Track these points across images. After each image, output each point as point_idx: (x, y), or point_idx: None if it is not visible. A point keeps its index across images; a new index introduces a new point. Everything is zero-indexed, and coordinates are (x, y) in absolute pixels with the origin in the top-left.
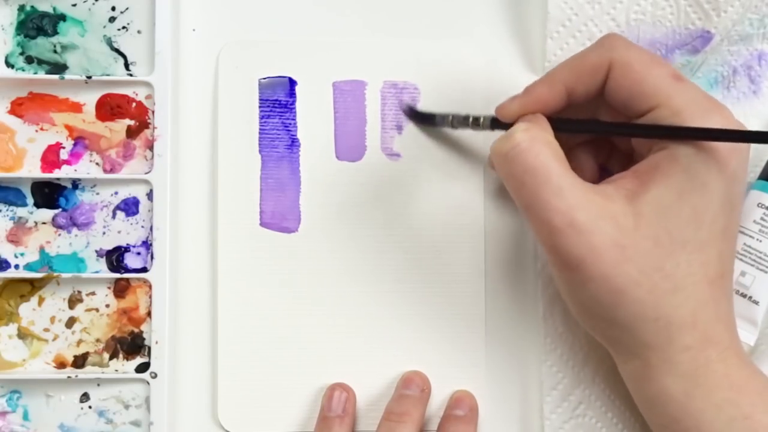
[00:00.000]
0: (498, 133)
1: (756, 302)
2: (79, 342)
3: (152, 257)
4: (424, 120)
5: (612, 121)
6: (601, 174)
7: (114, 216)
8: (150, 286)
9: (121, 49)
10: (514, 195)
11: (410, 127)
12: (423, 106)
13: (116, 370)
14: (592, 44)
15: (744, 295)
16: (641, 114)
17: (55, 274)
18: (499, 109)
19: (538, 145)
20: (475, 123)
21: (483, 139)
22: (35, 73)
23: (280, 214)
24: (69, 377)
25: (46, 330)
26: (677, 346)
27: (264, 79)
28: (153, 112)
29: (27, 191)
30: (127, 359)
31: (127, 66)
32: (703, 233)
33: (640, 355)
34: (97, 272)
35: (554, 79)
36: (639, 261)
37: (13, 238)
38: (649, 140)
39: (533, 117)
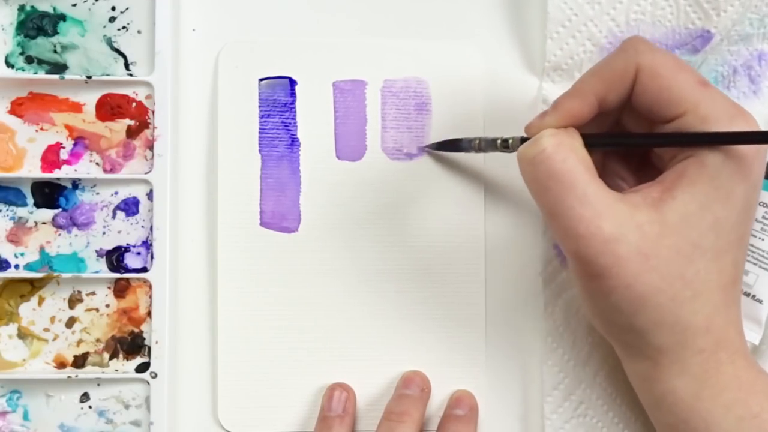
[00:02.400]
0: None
1: (760, 301)
2: (79, 342)
3: (152, 257)
4: (450, 147)
5: (644, 133)
6: (637, 182)
7: (114, 216)
8: (150, 286)
9: (121, 49)
10: (538, 201)
11: (408, 127)
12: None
13: (116, 370)
14: (614, 50)
15: (748, 294)
16: (668, 120)
17: (55, 274)
18: (529, 128)
19: (564, 151)
20: (504, 145)
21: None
22: (35, 73)
23: (280, 214)
24: (69, 377)
25: (46, 330)
26: (690, 350)
27: (264, 79)
28: (153, 112)
29: (27, 191)
30: (127, 359)
31: (127, 66)
32: (721, 241)
33: (651, 357)
34: (97, 272)
35: (584, 91)
36: (662, 269)
37: (13, 238)
38: (673, 150)
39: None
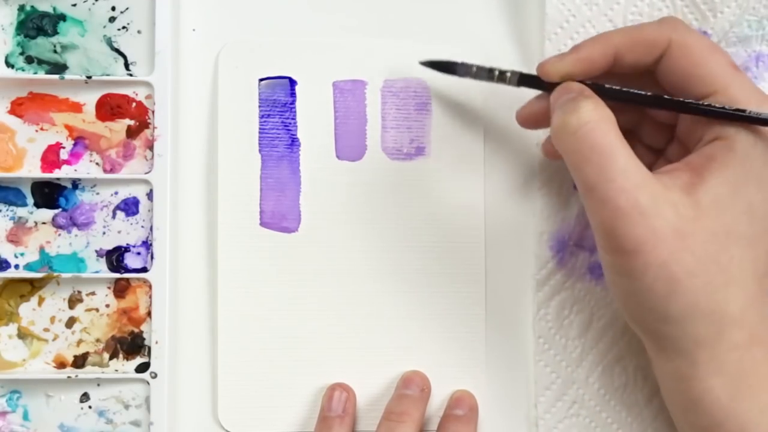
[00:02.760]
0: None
1: None
2: (79, 342)
3: (152, 257)
4: (445, 69)
5: (668, 96)
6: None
7: (114, 216)
8: (150, 286)
9: (121, 49)
10: (578, 172)
11: (408, 127)
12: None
13: (116, 370)
14: (652, 21)
15: None
16: (695, 98)
17: (55, 274)
18: (543, 66)
19: (606, 125)
20: (501, 77)
21: (483, 140)
22: (35, 73)
23: (280, 214)
24: (69, 377)
25: (46, 330)
26: (726, 344)
27: (264, 79)
28: (153, 112)
29: (27, 191)
30: (127, 359)
31: (127, 66)
32: (756, 228)
33: (687, 352)
34: (97, 272)
35: (607, 41)
36: (697, 251)
37: (13, 238)
38: (700, 131)
39: (587, 91)
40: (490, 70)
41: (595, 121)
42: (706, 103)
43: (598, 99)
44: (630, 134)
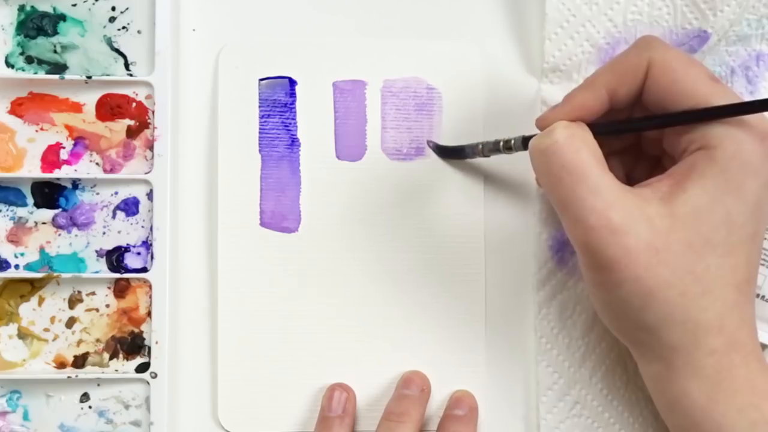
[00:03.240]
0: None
1: None
2: (79, 342)
3: (152, 257)
4: (453, 154)
5: (649, 115)
6: (628, 183)
7: (114, 216)
8: (150, 286)
9: (121, 49)
10: (550, 192)
11: (408, 127)
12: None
13: (116, 370)
14: (628, 47)
15: (757, 295)
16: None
17: (55, 274)
18: (540, 120)
19: (577, 143)
20: (507, 147)
21: (483, 140)
22: (35, 73)
23: (280, 214)
24: (69, 377)
25: (46, 330)
26: (703, 350)
27: (264, 79)
28: (153, 112)
29: (27, 191)
30: (127, 359)
31: (127, 66)
32: (734, 237)
33: (664, 357)
34: (97, 272)
35: (595, 84)
36: (671, 263)
37: (13, 238)
38: (684, 142)
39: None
40: (496, 143)
41: (566, 137)
42: (696, 109)
43: (577, 124)
44: (617, 155)
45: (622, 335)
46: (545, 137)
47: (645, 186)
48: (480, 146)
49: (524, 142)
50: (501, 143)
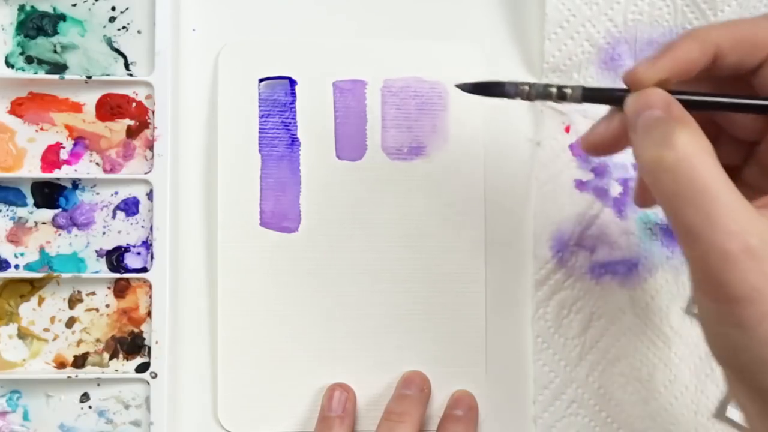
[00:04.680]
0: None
1: None
2: (79, 342)
3: (152, 257)
4: (490, 91)
5: None
6: None
7: (114, 216)
8: (150, 286)
9: (121, 49)
10: (676, 214)
11: (408, 127)
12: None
13: (116, 370)
14: (758, 15)
15: None
16: None
17: (55, 274)
18: (633, 74)
19: (707, 158)
20: (561, 95)
21: (483, 140)
22: (35, 73)
23: (280, 214)
24: (69, 377)
25: (46, 330)
26: None
27: (264, 79)
28: (153, 112)
29: (27, 191)
30: (127, 359)
31: (127, 66)
32: None
33: None
34: (97, 272)
35: (707, 38)
36: None
37: (13, 238)
38: None
39: (676, 107)
40: (546, 87)
41: (694, 155)
42: None
43: (693, 122)
44: (711, 127)
45: (744, 378)
46: (669, 151)
47: (764, 208)
48: (527, 87)
49: (584, 93)
50: (554, 89)
